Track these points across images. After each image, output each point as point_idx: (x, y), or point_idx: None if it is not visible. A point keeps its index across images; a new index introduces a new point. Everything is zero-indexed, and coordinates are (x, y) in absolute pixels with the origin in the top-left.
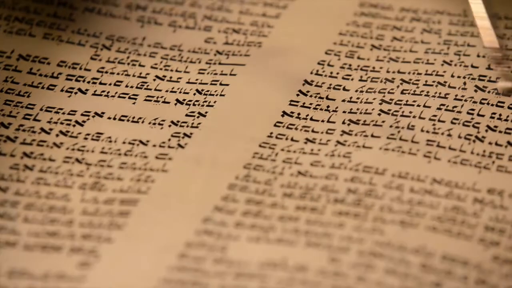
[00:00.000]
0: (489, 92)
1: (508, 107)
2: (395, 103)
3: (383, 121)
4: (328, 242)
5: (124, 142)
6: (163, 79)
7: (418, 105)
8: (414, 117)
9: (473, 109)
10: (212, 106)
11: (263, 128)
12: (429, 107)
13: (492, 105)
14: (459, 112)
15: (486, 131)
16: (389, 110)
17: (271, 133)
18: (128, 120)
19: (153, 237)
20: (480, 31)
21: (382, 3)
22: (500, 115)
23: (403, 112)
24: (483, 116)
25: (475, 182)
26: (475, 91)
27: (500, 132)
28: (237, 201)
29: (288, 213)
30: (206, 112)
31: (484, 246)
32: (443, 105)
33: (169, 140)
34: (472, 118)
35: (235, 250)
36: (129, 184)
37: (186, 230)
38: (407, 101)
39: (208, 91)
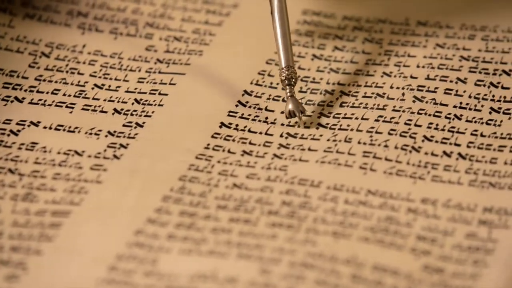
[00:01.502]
0: (427, 102)
1: (446, 117)
2: (334, 117)
3: (320, 135)
4: (259, 254)
5: (59, 152)
6: (101, 88)
7: (356, 118)
8: (351, 130)
9: (410, 120)
10: (150, 116)
11: (200, 140)
12: (367, 119)
13: (430, 115)
14: (397, 123)
15: (423, 141)
16: (327, 124)
17: (208, 144)
18: (64, 130)
19: (83, 250)
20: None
21: (325, 11)
22: (437, 125)
23: (341, 125)
24: (420, 126)
25: (410, 192)
26: (413, 101)
27: (436, 142)
28: (171, 213)
29: (221, 225)
30: (143, 123)
31: (415, 256)
32: (381, 116)
33: (105, 150)
34: (409, 129)
35: (166, 263)
36: (62, 195)
37: (117, 243)
38: (345, 114)
39: (146, 100)
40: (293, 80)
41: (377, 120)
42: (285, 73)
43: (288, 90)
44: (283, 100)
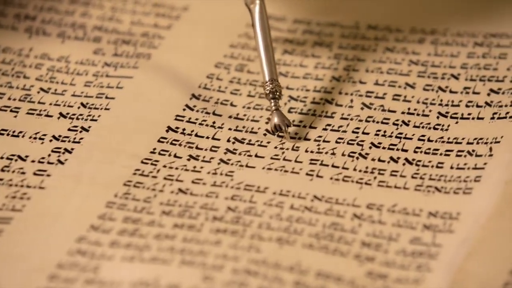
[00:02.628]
0: (375, 109)
1: (393, 123)
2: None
3: (268, 142)
4: (203, 260)
5: (2, 157)
6: (47, 92)
7: (304, 126)
8: (299, 138)
9: (358, 128)
10: (96, 120)
11: (147, 144)
12: (315, 128)
13: (378, 122)
14: (344, 131)
15: (370, 148)
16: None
17: (154, 149)
18: (8, 134)
19: (24, 258)
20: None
21: (276, 14)
22: (384, 131)
23: (289, 133)
24: (367, 134)
25: (356, 197)
26: (362, 108)
27: (383, 148)
28: (114, 220)
29: (165, 231)
30: (89, 127)
31: (359, 262)
32: (329, 125)
33: (49, 155)
34: (357, 137)
35: (108, 270)
36: (3, 201)
37: (59, 250)
38: (293, 120)
39: (93, 104)
40: (278, 93)
41: (325, 129)
42: (269, 87)
43: (273, 104)
44: (231, 105)
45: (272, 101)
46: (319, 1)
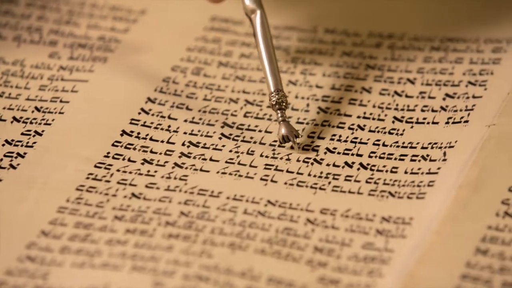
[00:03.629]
0: (331, 113)
1: (349, 128)
2: (237, 128)
3: (223, 146)
4: (154, 266)
5: None
6: (1, 96)
7: (260, 130)
8: (254, 142)
9: (314, 132)
10: (49, 124)
11: (100, 148)
12: (270, 132)
13: (333, 126)
14: (300, 136)
15: (325, 153)
16: (231, 134)
17: (108, 153)
18: None
19: None
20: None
21: (234, 17)
22: (340, 136)
23: (244, 137)
24: (323, 139)
25: (310, 202)
26: (318, 113)
27: (339, 153)
28: (65, 225)
29: (117, 236)
30: (43, 131)
31: (311, 267)
32: None
33: (1, 160)
34: (313, 142)
35: (57, 277)
36: None
37: (8, 257)
38: (249, 125)
39: (47, 108)
40: (284, 104)
41: None
42: (275, 97)
43: (279, 115)
44: (187, 109)
45: (279, 112)
46: (278, 5)
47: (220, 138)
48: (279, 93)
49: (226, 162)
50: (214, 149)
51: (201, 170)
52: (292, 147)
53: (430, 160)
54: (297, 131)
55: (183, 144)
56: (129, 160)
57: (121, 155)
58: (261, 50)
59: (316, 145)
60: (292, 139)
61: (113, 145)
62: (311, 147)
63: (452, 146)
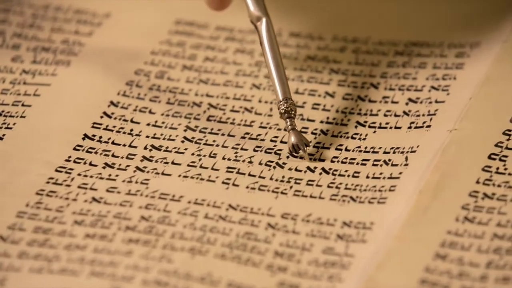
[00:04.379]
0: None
1: (312, 132)
2: (200, 131)
3: (185, 149)
4: (113, 271)
5: None
6: None
7: (223, 134)
8: (217, 145)
9: (276, 136)
10: (11, 128)
11: (62, 152)
12: (233, 136)
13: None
14: (263, 140)
15: (288, 157)
16: (193, 138)
17: (70, 157)
18: None
19: None
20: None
21: (198, 21)
22: None
23: (206, 140)
24: (285, 143)
25: (271, 207)
26: (281, 117)
27: (301, 157)
28: (24, 230)
29: (76, 241)
30: (3, 135)
31: (272, 272)
32: (248, 133)
33: None
34: (275, 145)
35: (15, 282)
36: None
37: None
38: (212, 129)
39: (8, 112)
40: (293, 112)
41: (243, 138)
42: (284, 106)
43: (289, 123)
44: (150, 112)
45: (288, 120)
46: (242, 9)
47: (182, 142)
48: (287, 102)
49: (188, 165)
50: (176, 152)
51: (162, 173)
52: (301, 157)
53: (392, 165)
54: (307, 140)
55: (145, 148)
56: (90, 164)
57: (83, 159)
58: (268, 58)
59: (279, 149)
60: (303, 148)
61: (74, 149)
62: (273, 151)
63: (414, 151)
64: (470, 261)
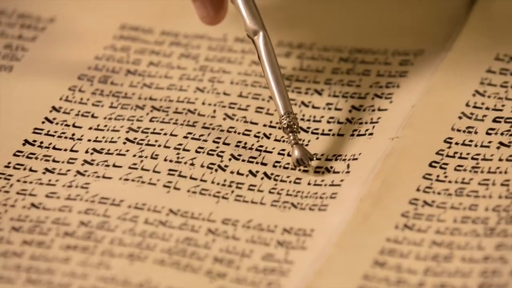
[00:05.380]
0: (237, 120)
1: (255, 135)
2: (142, 131)
3: (127, 150)
4: (49, 279)
5: None
6: None
7: (165, 134)
8: (159, 146)
9: (219, 138)
10: None
11: (1, 158)
12: (176, 135)
13: (239, 133)
14: (205, 140)
15: (230, 160)
16: (135, 138)
17: (9, 163)
18: None
19: None
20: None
21: (143, 26)
22: (245, 143)
23: (148, 140)
24: (228, 145)
25: (212, 212)
26: (224, 119)
27: (243, 161)
28: None
29: (13, 248)
30: None
31: (210, 278)
32: (190, 133)
33: None
34: (217, 147)
35: None
36: None
37: None
38: (154, 129)
39: None
40: (295, 126)
41: (185, 137)
42: (286, 120)
43: (292, 138)
44: (93, 116)
45: (291, 134)
46: (189, 13)
47: (124, 143)
48: (290, 116)
49: (129, 167)
50: (118, 154)
51: (103, 177)
52: (306, 171)
53: (334, 172)
54: (311, 154)
55: (86, 152)
56: (30, 170)
57: (22, 165)
58: (268, 72)
59: (221, 151)
60: (307, 163)
61: (14, 155)
62: (216, 153)
63: (356, 159)
64: (408, 268)
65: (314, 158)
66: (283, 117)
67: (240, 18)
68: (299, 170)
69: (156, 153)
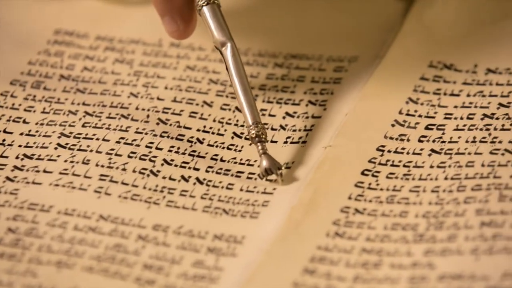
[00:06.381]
0: (171, 125)
1: (188, 140)
2: (75, 137)
3: (58, 156)
4: None
5: None
6: None
7: (98, 139)
8: (91, 151)
9: (152, 143)
10: None
11: None
12: (108, 140)
13: (172, 138)
14: (138, 145)
15: (162, 165)
16: (67, 144)
17: None
18: None
19: None
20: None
21: (78, 31)
22: (178, 148)
23: (80, 146)
24: (161, 149)
25: (142, 218)
26: (157, 124)
27: (176, 166)
28: None
29: None
30: None
31: (139, 285)
32: (123, 138)
33: None
34: (150, 152)
35: None
36: None
37: None
38: (86, 134)
39: None
40: (264, 136)
41: (118, 142)
42: (254, 130)
43: (260, 147)
44: (24, 122)
45: (259, 144)
46: (124, 18)
47: (56, 148)
48: (258, 126)
49: (60, 173)
50: (49, 160)
51: (33, 183)
52: (275, 180)
53: (267, 180)
54: (280, 164)
55: (16, 157)
56: None
57: None
58: (236, 83)
59: (154, 156)
60: (275, 172)
61: None
62: (148, 157)
63: (289, 167)
64: (338, 275)
65: (283, 168)
66: (251, 127)
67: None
68: (268, 180)
69: (87, 158)
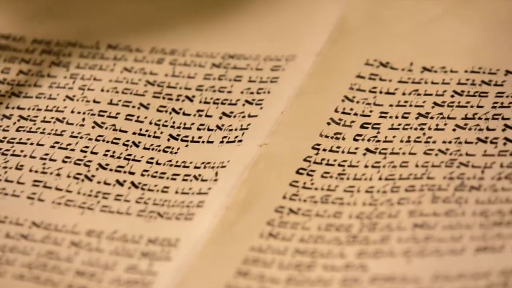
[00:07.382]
0: (106, 128)
1: (124, 144)
2: (8, 142)
3: None
4: None
5: None
6: None
7: (32, 143)
8: (25, 156)
9: (87, 147)
10: None
11: None
12: (43, 145)
13: (108, 141)
14: (73, 150)
15: (97, 169)
16: (0, 149)
17: None
18: None
19: None
20: None
21: (15, 34)
22: (114, 152)
23: (14, 151)
24: (96, 154)
25: (76, 223)
26: (93, 127)
27: (111, 170)
28: None
29: None
30: None
31: None
32: (58, 142)
33: None
34: (85, 156)
35: None
36: None
37: None
38: (20, 139)
39: None
40: None
41: (52, 147)
42: None
43: None
44: None
45: None
46: (61, 21)
47: None
48: None
49: None
50: None
51: None
52: None
53: (202, 180)
54: None
55: None
56: None
57: None
58: None
59: (89, 160)
60: None
61: None
62: (83, 162)
63: (224, 166)
64: (271, 277)
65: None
66: None
67: None
68: None
69: (21, 164)
